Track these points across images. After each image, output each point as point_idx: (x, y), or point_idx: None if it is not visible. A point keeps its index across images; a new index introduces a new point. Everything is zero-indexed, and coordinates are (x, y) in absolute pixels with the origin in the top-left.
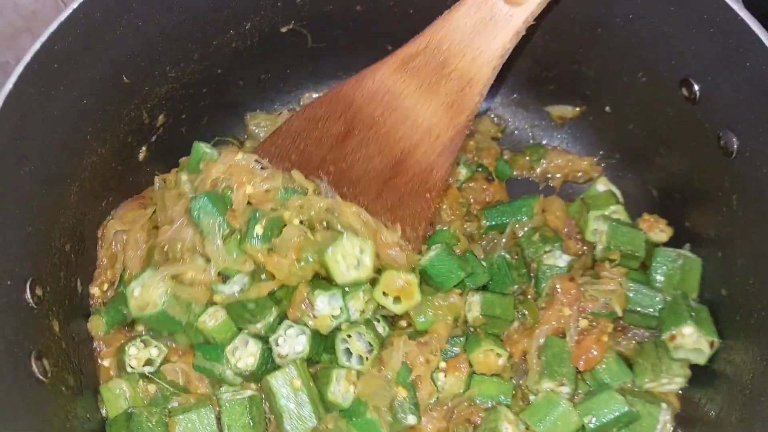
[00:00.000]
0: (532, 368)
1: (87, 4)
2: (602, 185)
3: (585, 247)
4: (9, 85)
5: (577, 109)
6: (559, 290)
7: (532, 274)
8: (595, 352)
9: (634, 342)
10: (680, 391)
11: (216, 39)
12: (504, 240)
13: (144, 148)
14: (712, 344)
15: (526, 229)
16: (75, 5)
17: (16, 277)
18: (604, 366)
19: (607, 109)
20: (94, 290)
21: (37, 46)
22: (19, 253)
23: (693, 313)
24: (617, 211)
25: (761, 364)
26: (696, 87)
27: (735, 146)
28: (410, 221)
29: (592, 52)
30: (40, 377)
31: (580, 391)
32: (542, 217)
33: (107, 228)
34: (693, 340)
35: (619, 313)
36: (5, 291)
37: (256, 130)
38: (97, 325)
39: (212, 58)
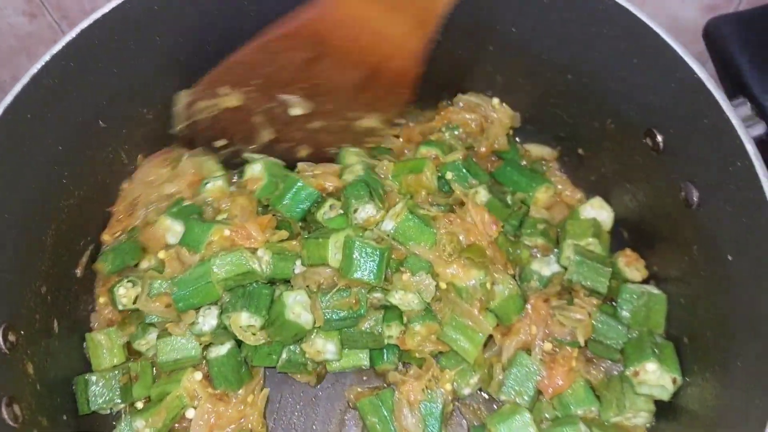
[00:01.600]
0: (495, 376)
1: (59, 54)
2: (591, 209)
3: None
4: None
5: (555, 151)
6: (530, 307)
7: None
8: (561, 382)
9: (602, 374)
10: (648, 426)
11: (195, 80)
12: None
13: (124, 186)
14: (674, 381)
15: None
16: (47, 57)
17: None
18: (570, 391)
19: (580, 151)
20: (106, 237)
21: (9, 98)
22: None
23: (656, 350)
24: (593, 244)
25: (722, 401)
26: (659, 138)
27: (695, 198)
28: (387, 109)
29: (564, 97)
30: (11, 423)
31: (546, 415)
32: (551, 215)
33: (129, 185)
34: (656, 377)
35: (581, 343)
36: None
37: None
38: (103, 266)
39: None
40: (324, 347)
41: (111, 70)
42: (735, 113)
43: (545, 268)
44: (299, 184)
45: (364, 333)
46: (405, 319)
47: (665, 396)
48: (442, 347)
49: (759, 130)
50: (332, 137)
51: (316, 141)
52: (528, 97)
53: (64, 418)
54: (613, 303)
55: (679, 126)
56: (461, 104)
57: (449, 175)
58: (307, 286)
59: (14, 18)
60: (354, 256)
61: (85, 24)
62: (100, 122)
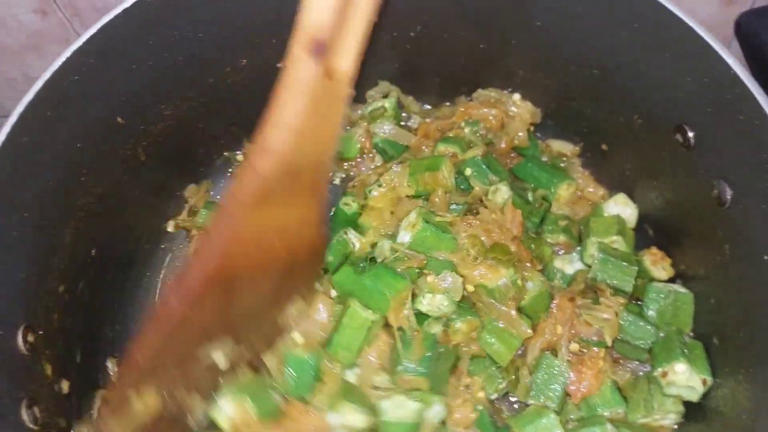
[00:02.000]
0: (521, 379)
1: (80, 50)
2: (614, 205)
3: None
4: (2, 135)
5: (576, 147)
6: (555, 306)
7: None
8: (589, 384)
9: (628, 375)
10: (675, 426)
11: (212, 76)
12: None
13: (140, 185)
14: (704, 382)
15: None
16: (68, 54)
17: (7, 326)
18: (597, 393)
19: (604, 147)
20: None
21: (30, 95)
22: (11, 300)
23: (686, 350)
24: (617, 241)
25: (754, 403)
26: (690, 134)
27: (728, 196)
28: (308, 285)
29: (588, 92)
30: (30, 425)
31: (572, 417)
32: (573, 211)
33: None
34: (685, 378)
35: (609, 343)
36: None
37: None
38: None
39: (209, 95)
40: None
41: (130, 66)
42: None
43: (568, 266)
44: None
45: None
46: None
47: (694, 397)
48: (479, 351)
49: None
50: (264, 343)
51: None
52: (550, 92)
53: (82, 416)
54: (639, 302)
55: (712, 121)
56: (480, 99)
57: (468, 172)
58: None
59: (25, 15)
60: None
61: (105, 20)
62: (119, 119)
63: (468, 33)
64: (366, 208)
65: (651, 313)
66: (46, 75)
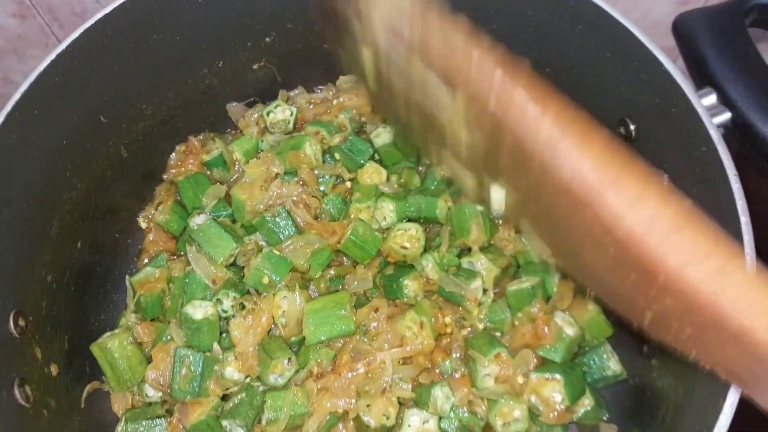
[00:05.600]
0: None
1: (63, 53)
2: None
3: None
4: None
5: None
6: None
7: None
8: None
9: None
10: None
11: (190, 77)
12: None
13: (122, 180)
14: None
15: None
16: (52, 56)
17: (0, 311)
18: None
19: None
20: None
21: (17, 96)
22: (3, 287)
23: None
24: None
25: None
26: (632, 127)
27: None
28: None
29: None
30: (23, 403)
31: None
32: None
33: None
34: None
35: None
36: None
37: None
38: None
39: (186, 95)
40: None
41: (111, 68)
42: (701, 102)
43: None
44: None
45: None
46: None
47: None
48: None
49: (724, 117)
50: None
51: None
52: None
53: (70, 399)
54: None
55: (650, 116)
56: (345, 86)
57: (337, 156)
58: None
59: (5, 20)
60: None
61: (87, 24)
62: (102, 117)
63: None
64: (240, 179)
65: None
66: (32, 77)
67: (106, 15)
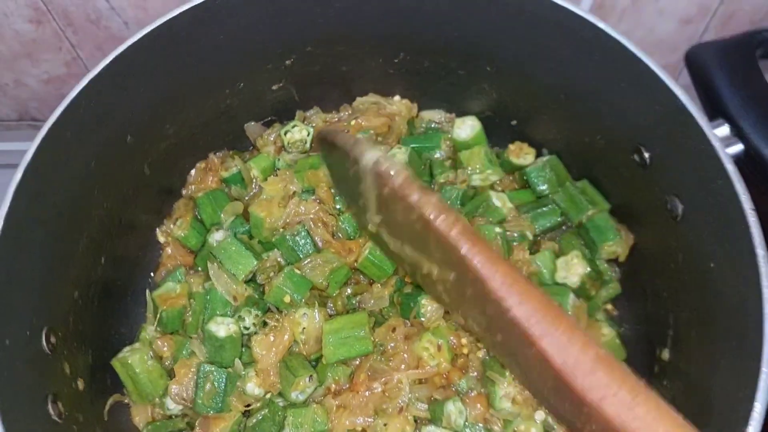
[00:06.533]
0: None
1: (96, 78)
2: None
3: None
4: (27, 157)
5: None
6: None
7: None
8: None
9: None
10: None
11: (212, 98)
12: None
13: (144, 197)
14: None
15: None
16: (85, 81)
17: (34, 328)
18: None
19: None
20: None
21: (50, 122)
22: (36, 305)
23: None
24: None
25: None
26: (646, 155)
27: (680, 211)
28: None
29: (555, 114)
30: (56, 419)
31: None
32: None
33: None
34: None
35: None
36: (25, 342)
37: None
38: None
39: (207, 115)
40: None
41: (139, 90)
42: (714, 134)
43: None
44: None
45: None
46: None
47: None
48: None
49: (737, 148)
50: None
51: None
52: (522, 112)
53: (95, 412)
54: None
55: (665, 145)
56: (364, 107)
57: None
58: None
59: (21, 25)
60: None
61: (119, 50)
62: (128, 138)
63: (448, 61)
64: (257, 196)
65: (542, 187)
66: (66, 101)
67: (136, 42)
